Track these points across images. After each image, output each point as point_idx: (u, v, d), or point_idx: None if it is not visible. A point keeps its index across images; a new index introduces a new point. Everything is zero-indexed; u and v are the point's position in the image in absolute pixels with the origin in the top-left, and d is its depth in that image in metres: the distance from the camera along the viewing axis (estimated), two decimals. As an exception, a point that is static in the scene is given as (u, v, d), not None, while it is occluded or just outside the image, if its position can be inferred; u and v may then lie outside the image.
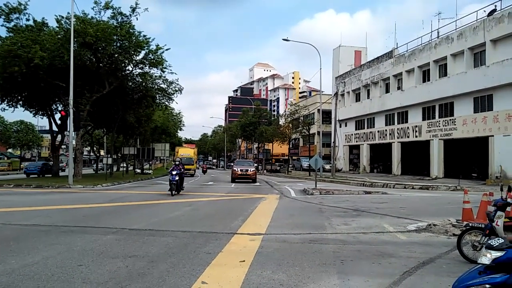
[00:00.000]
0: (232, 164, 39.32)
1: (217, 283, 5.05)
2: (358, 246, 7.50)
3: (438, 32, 34.50)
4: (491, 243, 3.77)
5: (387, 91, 40.56)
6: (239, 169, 29.42)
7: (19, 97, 31.59)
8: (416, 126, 35.56)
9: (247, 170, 29.24)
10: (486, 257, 3.68)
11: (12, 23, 26.36)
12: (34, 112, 34.99)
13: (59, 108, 33.35)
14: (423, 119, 34.90)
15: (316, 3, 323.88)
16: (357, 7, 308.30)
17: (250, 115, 63.15)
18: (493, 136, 27.17)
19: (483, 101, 28.55)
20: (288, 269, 5.78)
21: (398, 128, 38.36)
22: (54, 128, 34.35)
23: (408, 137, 36.80)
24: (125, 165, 46.15)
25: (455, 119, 30.79)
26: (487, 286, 3.51)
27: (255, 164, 33.54)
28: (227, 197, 17.80)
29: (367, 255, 6.72)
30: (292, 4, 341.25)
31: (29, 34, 25.32)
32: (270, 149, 59.17)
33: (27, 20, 27.02)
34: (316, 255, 6.71)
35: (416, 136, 35.51)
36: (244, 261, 6.15)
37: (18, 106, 32.51)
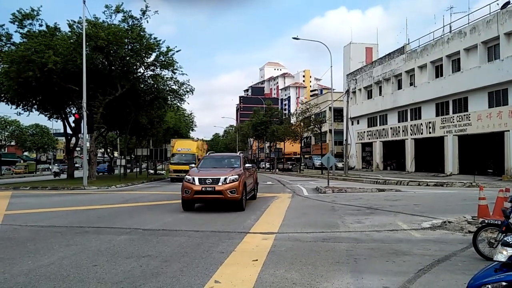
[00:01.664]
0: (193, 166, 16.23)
1: (230, 282, 5.06)
2: (372, 244, 7.44)
3: (450, 27, 34.09)
4: (508, 240, 3.71)
5: (399, 87, 40.14)
6: (197, 180, 12.18)
7: (34, 101, 32.10)
8: (429, 122, 35.12)
9: (217, 181, 12.00)
10: (502, 254, 3.62)
11: (26, 29, 26.76)
12: (48, 115, 35.57)
13: (73, 111, 33.78)
14: (437, 115, 34.46)
15: (327, 1, 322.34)
16: (369, 4, 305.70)
17: (261, 114, 63.14)
18: (509, 131, 26.66)
19: (498, 96, 28.05)
20: (301, 268, 5.76)
21: (411, 125, 37.95)
22: (69, 131, 34.84)
23: (421, 133, 36.37)
24: (144, 166, 46.63)
25: (469, 114, 30.32)
26: (503, 283, 3.45)
27: (247, 164, 14.44)
28: (240, 197, 17.78)
29: (381, 253, 6.66)
30: (303, 3, 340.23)
31: (42, 39, 25.70)
32: (281, 148, 59.08)
33: (40, 25, 27.43)
34: (329, 253, 6.68)
35: (430, 133, 35.08)
36: (257, 260, 6.15)
37: (33, 110, 33.08)
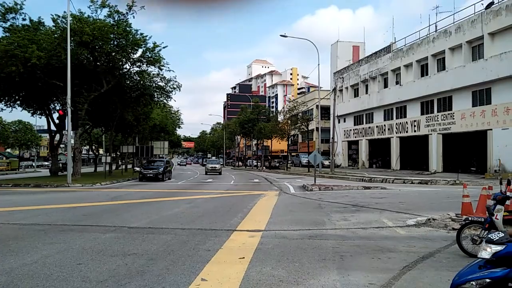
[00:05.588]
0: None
1: (216, 280, 5.04)
2: (358, 241, 7.50)
3: (436, 26, 34.50)
4: (491, 237, 3.75)
5: (386, 86, 40.50)
6: None
7: (17, 97, 31.48)
8: (414, 121, 35.54)
9: None
10: (486, 251, 3.66)
11: (9, 23, 26.16)
12: (32, 111, 34.90)
13: (57, 108, 33.28)
14: (422, 113, 34.88)
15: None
16: (359, 3, 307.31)
17: (248, 112, 63.02)
18: (491, 129, 27.16)
19: (481, 95, 28.52)
20: (288, 265, 5.77)
21: (396, 123, 38.35)
22: (53, 127, 34.28)
23: (406, 132, 36.79)
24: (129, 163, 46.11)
25: (453, 113, 30.78)
26: (488, 280, 3.49)
27: None
28: (227, 194, 17.79)
29: (366, 250, 6.72)
30: (293, 1, 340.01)
31: (26, 34, 25.16)
32: (269, 146, 59.13)
33: (24, 19, 26.85)
34: (316, 251, 6.70)
35: (415, 131, 35.51)
36: (243, 257, 6.14)
37: (16, 106, 32.44)
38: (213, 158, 77.25)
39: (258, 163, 62.87)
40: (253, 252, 6.54)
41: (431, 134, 33.20)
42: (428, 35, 34.51)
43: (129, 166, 50.25)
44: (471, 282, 3.55)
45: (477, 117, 28.32)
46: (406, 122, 36.75)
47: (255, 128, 57.96)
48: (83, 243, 7.26)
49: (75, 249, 6.79)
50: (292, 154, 62.12)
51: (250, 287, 4.79)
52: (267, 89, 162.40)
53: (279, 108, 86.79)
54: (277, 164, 57.56)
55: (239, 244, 7.19)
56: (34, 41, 24.85)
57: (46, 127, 36.99)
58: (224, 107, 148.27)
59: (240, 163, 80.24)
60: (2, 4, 25.84)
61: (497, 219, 6.04)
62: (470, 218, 6.84)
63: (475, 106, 28.86)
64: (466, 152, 32.60)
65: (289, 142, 58.87)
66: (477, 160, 30.97)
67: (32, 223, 9.62)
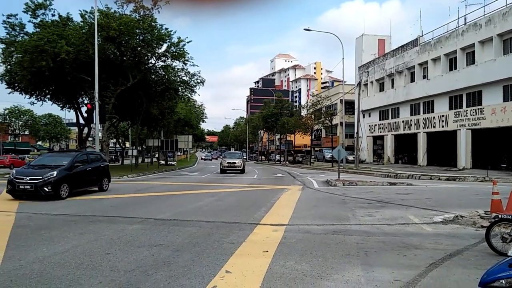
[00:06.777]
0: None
1: (240, 273, 5.10)
2: (383, 237, 7.41)
3: (465, 19, 33.39)
4: (523, 235, 3.66)
5: (412, 80, 39.62)
6: None
7: (47, 91, 32.44)
8: (442, 116, 34.67)
9: None
10: (517, 249, 3.57)
11: (39, 19, 26.97)
12: (61, 105, 35.93)
13: (85, 101, 34.09)
14: (450, 108, 33.98)
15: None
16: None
17: (271, 106, 62.92)
18: (524, 125, 26.23)
19: (513, 89, 27.54)
20: (312, 259, 5.77)
21: (423, 118, 37.51)
22: (81, 121, 35.18)
23: (434, 127, 35.93)
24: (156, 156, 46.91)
25: (483, 108, 29.84)
26: (518, 279, 3.41)
27: None
28: (250, 188, 17.88)
29: (392, 247, 6.64)
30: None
31: (55, 29, 25.87)
32: (292, 140, 58.94)
33: (53, 15, 27.62)
34: (340, 246, 6.67)
35: (443, 126, 34.64)
36: (267, 251, 6.18)
37: (46, 99, 33.44)
38: (235, 151, 63.78)
39: (281, 158, 62.79)
40: (276, 245, 6.57)
41: (459, 129, 32.32)
42: (457, 28, 33.50)
43: (155, 159, 51.12)
44: (501, 281, 3.47)
45: (508, 113, 27.35)
46: (434, 117, 35.89)
47: (278, 122, 57.84)
48: (111, 233, 7.46)
49: (103, 239, 7.00)
50: (316, 149, 61.71)
51: (274, 280, 4.82)
52: (290, 83, 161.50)
53: (303, 103, 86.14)
54: (300, 159, 57.32)
55: (263, 238, 7.24)
56: (63, 36, 25.52)
57: (75, 121, 37.98)
58: (247, 102, 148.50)
59: (263, 157, 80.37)
60: (32, 1, 26.63)
61: (529, 217, 5.86)
62: (500, 216, 6.65)
63: (507, 101, 27.87)
64: (497, 148, 31.58)
65: (313, 137, 58.47)
66: (507, 157, 30.00)
67: (62, 213, 9.95)
